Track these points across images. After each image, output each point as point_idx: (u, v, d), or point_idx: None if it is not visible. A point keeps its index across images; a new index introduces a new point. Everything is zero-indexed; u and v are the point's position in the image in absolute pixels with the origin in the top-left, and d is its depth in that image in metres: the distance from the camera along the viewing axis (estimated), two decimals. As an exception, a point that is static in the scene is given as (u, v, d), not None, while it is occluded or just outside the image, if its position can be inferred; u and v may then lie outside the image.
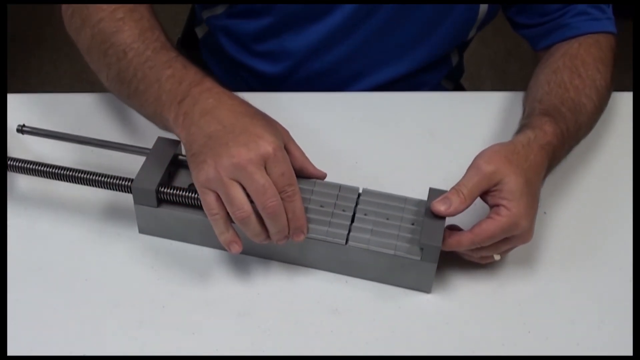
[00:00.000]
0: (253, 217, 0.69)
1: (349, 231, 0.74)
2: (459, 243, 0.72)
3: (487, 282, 0.77)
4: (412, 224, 0.74)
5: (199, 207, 0.75)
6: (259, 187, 0.67)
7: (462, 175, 0.73)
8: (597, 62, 0.89)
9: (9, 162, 0.77)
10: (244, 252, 0.77)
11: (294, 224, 0.70)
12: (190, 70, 0.75)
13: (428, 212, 0.73)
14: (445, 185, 0.73)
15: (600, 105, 0.89)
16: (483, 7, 0.94)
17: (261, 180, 0.67)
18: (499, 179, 0.72)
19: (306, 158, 0.76)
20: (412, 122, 0.94)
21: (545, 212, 0.83)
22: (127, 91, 0.78)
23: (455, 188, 0.72)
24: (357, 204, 0.76)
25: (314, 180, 0.77)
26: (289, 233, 0.71)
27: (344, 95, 0.99)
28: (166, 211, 0.76)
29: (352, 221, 0.74)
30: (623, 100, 0.97)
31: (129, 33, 0.78)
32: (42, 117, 0.90)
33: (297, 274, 0.76)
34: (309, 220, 0.73)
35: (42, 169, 0.76)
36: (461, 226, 0.76)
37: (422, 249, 0.72)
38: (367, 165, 0.88)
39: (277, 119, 0.90)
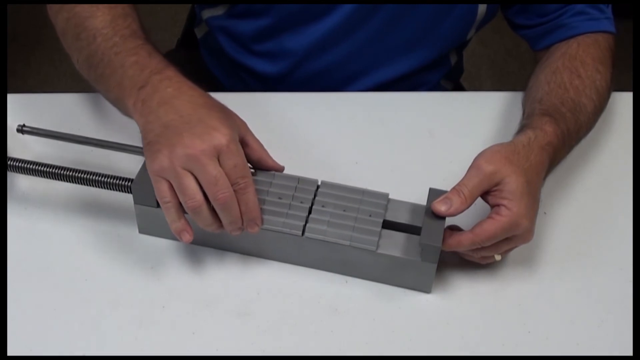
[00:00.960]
0: (205, 207, 0.69)
1: (306, 222, 0.74)
2: (459, 243, 0.72)
3: (487, 282, 0.77)
4: (370, 216, 0.74)
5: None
6: (210, 178, 0.68)
7: (462, 175, 0.73)
8: (596, 62, 0.89)
9: (9, 162, 0.77)
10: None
11: (247, 216, 0.71)
12: (155, 59, 0.76)
13: (428, 212, 0.73)
14: (445, 185, 0.73)
15: (600, 106, 0.89)
16: (482, 8, 0.94)
17: (213, 171, 0.68)
18: (499, 179, 0.72)
19: (264, 150, 0.77)
20: (411, 122, 0.94)
21: (545, 212, 0.83)
22: (94, 75, 0.80)
23: (456, 188, 0.72)
24: (315, 196, 0.76)
25: (273, 172, 0.77)
26: (242, 224, 0.71)
27: (344, 95, 0.99)
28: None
29: (310, 213, 0.75)
30: (623, 100, 0.97)
31: (102, 19, 0.79)
32: (42, 117, 0.90)
33: (297, 274, 0.76)
34: (266, 212, 0.74)
35: (42, 169, 0.76)
36: (461, 226, 0.76)
37: (380, 239, 0.73)
38: (367, 165, 0.88)
39: (277, 119, 0.90)
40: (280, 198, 0.75)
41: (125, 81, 0.75)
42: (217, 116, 0.71)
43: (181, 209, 0.71)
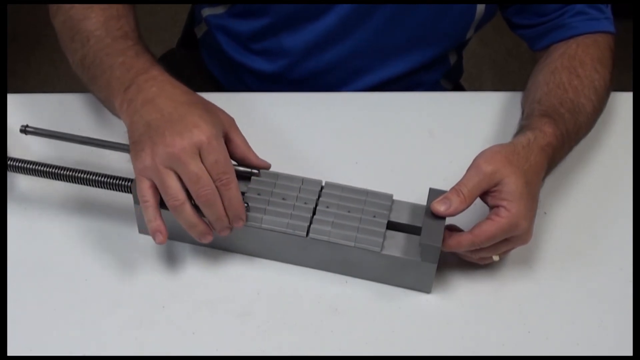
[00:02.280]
0: (187, 206, 0.70)
1: (310, 223, 0.74)
2: (458, 244, 0.72)
3: (487, 282, 0.77)
4: (374, 217, 0.74)
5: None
6: (192, 176, 0.69)
7: (462, 175, 0.73)
8: (595, 62, 0.89)
9: (9, 162, 0.77)
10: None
11: (231, 212, 0.71)
12: (141, 59, 0.77)
13: (428, 212, 0.73)
14: (445, 185, 0.73)
15: (599, 106, 0.89)
16: (480, 8, 0.94)
17: (194, 169, 0.68)
18: (499, 180, 0.72)
19: (249, 147, 0.77)
20: (411, 122, 0.94)
21: (545, 212, 0.83)
22: (87, 76, 0.81)
23: (455, 188, 0.72)
24: (319, 196, 0.76)
25: (277, 173, 0.77)
26: (229, 222, 0.71)
27: (344, 95, 0.99)
28: (166, 211, 0.75)
29: (314, 214, 0.75)
30: (623, 100, 0.97)
31: (95, 20, 0.81)
32: (42, 117, 0.90)
33: (297, 274, 0.76)
34: (270, 213, 0.74)
35: (42, 169, 0.76)
36: (461, 227, 0.76)
37: (384, 240, 0.73)
38: (367, 166, 0.88)
39: (277, 119, 0.90)
40: (284, 199, 0.75)
41: (113, 82, 0.76)
42: (199, 113, 0.72)
43: (158, 209, 0.71)
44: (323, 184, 0.77)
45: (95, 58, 0.79)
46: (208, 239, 0.72)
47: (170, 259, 0.77)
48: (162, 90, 0.74)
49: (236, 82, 1.07)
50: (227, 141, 0.74)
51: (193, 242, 0.78)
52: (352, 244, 0.72)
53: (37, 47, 2.16)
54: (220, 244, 0.77)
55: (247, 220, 0.73)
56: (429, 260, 0.72)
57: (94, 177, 0.76)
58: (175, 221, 0.76)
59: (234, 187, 0.71)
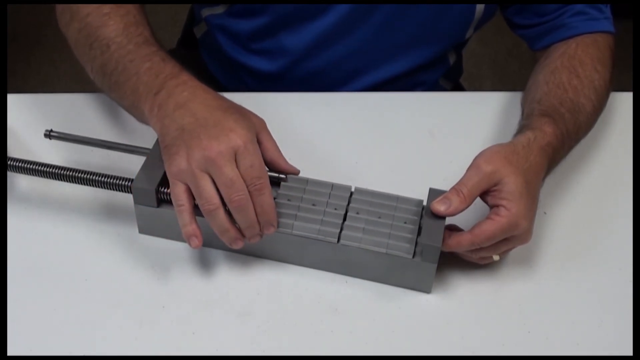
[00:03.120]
0: (221, 211, 0.69)
1: (341, 230, 0.74)
2: (458, 244, 0.72)
3: (487, 282, 0.77)
4: (405, 223, 0.74)
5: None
6: (226, 181, 0.68)
7: (462, 175, 0.73)
8: (595, 62, 0.89)
9: (9, 162, 0.77)
10: (243, 252, 0.77)
11: (263, 218, 0.71)
12: (168, 64, 0.77)
13: (428, 212, 0.73)
14: (445, 185, 0.73)
15: (599, 106, 0.89)
16: (479, 7, 0.94)
17: (230, 173, 0.68)
18: (498, 179, 0.72)
19: (279, 151, 0.76)
20: (411, 122, 0.94)
21: (545, 212, 0.83)
22: (108, 83, 0.79)
23: (455, 188, 0.72)
24: (349, 202, 0.76)
25: (307, 178, 0.77)
26: (260, 229, 0.71)
27: (344, 95, 0.99)
28: (166, 211, 0.76)
29: (344, 220, 0.75)
30: (623, 100, 0.97)
31: (114, 27, 0.79)
32: (42, 117, 0.90)
33: (297, 274, 0.76)
34: (300, 219, 0.74)
35: (42, 169, 0.76)
36: (461, 226, 0.76)
37: (416, 246, 0.72)
38: (367, 165, 0.88)
39: (277, 119, 0.90)
40: (314, 205, 0.75)
41: (140, 87, 0.75)
42: (234, 117, 0.71)
43: (194, 213, 0.71)
44: (352, 189, 0.77)
45: (117, 64, 0.78)
46: (239, 245, 0.72)
47: (171, 259, 0.77)
48: (194, 95, 0.73)
49: (236, 81, 1.07)
50: (258, 143, 0.73)
51: (217, 246, 0.78)
52: (384, 250, 0.72)
53: (37, 47, 2.16)
54: (218, 244, 0.77)
55: (278, 226, 0.73)
56: (429, 260, 0.72)
57: (94, 177, 0.76)
58: (174, 220, 0.76)
59: (268, 193, 0.70)
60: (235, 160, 0.69)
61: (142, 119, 0.77)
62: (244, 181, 0.69)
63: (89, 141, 0.81)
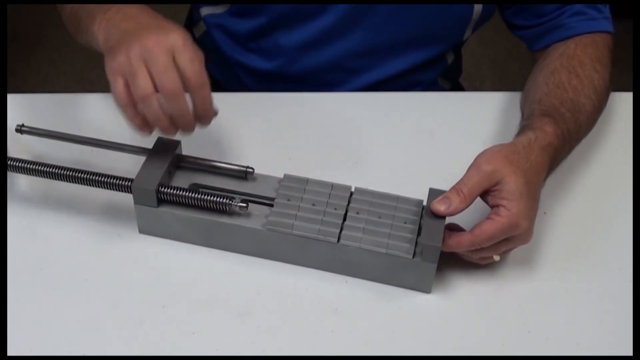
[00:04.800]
0: (154, 98, 0.69)
1: (341, 230, 0.74)
2: (458, 244, 0.72)
3: (487, 282, 0.77)
4: (405, 223, 0.74)
5: (199, 207, 0.75)
6: (160, 68, 0.68)
7: (462, 175, 0.73)
8: (594, 62, 0.89)
9: (9, 162, 0.77)
10: (244, 252, 0.77)
11: (200, 112, 0.71)
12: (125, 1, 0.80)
13: (428, 212, 0.73)
14: (445, 185, 0.73)
15: (599, 105, 0.89)
16: (477, 8, 0.94)
17: (164, 62, 0.68)
18: (499, 179, 0.72)
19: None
20: (412, 122, 0.94)
21: (545, 212, 0.83)
22: (74, 24, 0.84)
23: (455, 187, 0.72)
24: (349, 202, 0.76)
25: (307, 178, 0.77)
26: (195, 120, 0.72)
27: (344, 95, 0.99)
28: (166, 211, 0.76)
29: (344, 220, 0.75)
30: (623, 100, 0.97)
31: None
32: (42, 117, 0.90)
33: (297, 274, 0.76)
34: (300, 219, 0.74)
35: (42, 169, 0.76)
36: (461, 227, 0.76)
37: (416, 246, 0.72)
38: (367, 165, 0.88)
39: (277, 118, 0.90)
40: (314, 205, 0.75)
41: (94, 10, 0.78)
42: (175, 24, 0.73)
43: (135, 107, 0.71)
44: (352, 189, 0.77)
45: (82, 7, 0.82)
46: (172, 133, 0.72)
47: (170, 259, 0.77)
48: (140, 10, 0.76)
49: (234, 81, 1.07)
50: None
51: (195, 241, 0.78)
52: (384, 250, 0.72)
53: (37, 47, 2.16)
54: (219, 244, 0.77)
55: (274, 225, 0.73)
56: (429, 260, 0.72)
57: (94, 177, 0.76)
58: (174, 220, 0.76)
59: (207, 87, 0.71)
60: (175, 59, 0.69)
61: (95, 42, 0.78)
62: (185, 76, 0.69)
63: (63, 136, 0.80)
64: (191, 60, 0.70)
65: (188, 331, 0.71)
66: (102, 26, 0.76)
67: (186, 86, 0.70)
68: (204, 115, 0.72)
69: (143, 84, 0.69)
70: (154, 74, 0.69)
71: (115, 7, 0.76)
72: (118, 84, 0.70)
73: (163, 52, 0.69)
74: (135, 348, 0.70)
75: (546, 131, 0.79)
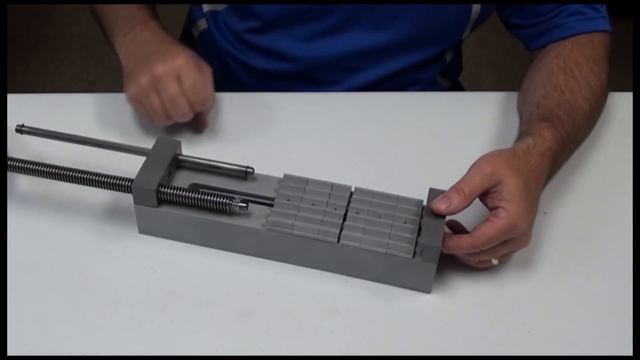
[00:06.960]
0: (168, 118, 0.84)
1: (341, 230, 0.74)
2: (458, 246, 0.72)
3: (487, 282, 0.77)
4: (405, 223, 0.74)
5: (199, 207, 0.75)
6: (169, 97, 0.82)
7: (462, 175, 0.73)
8: (590, 62, 0.89)
9: (9, 162, 0.77)
10: (244, 252, 0.77)
11: (199, 120, 0.87)
12: (142, 11, 0.93)
13: (428, 212, 0.73)
14: (445, 185, 0.73)
15: (597, 106, 0.89)
16: (476, 7, 0.94)
17: (173, 91, 0.81)
18: (498, 180, 0.72)
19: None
20: (412, 122, 0.94)
21: (545, 212, 0.83)
22: (103, 32, 0.97)
23: (456, 187, 0.72)
24: (349, 202, 0.76)
25: (306, 179, 0.77)
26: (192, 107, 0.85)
27: (344, 95, 0.99)
28: (166, 211, 0.76)
29: (344, 220, 0.75)
30: (623, 100, 0.97)
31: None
32: (42, 117, 0.90)
33: (297, 274, 0.76)
34: (300, 219, 0.74)
35: (42, 169, 0.76)
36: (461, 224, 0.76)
37: (416, 246, 0.72)
38: (367, 165, 0.88)
39: (278, 118, 0.90)
40: (314, 205, 0.75)
41: (116, 30, 0.92)
42: (182, 48, 0.86)
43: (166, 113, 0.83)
44: (352, 189, 0.77)
45: (107, 20, 0.94)
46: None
47: (170, 259, 0.77)
48: (154, 35, 0.89)
49: (233, 80, 1.07)
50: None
51: (195, 241, 0.78)
52: (384, 250, 0.72)
53: (37, 47, 2.16)
54: (219, 244, 0.78)
55: (273, 225, 0.74)
56: (429, 260, 0.72)
57: (94, 177, 0.76)
58: (174, 220, 0.76)
59: (207, 104, 0.85)
60: (181, 80, 0.81)
61: (115, 50, 0.92)
62: (188, 96, 0.82)
63: (62, 137, 0.80)
64: (194, 84, 0.82)
65: (188, 331, 0.71)
66: (122, 51, 0.89)
67: (189, 104, 0.83)
68: (201, 124, 0.88)
69: (157, 109, 0.83)
70: (164, 102, 0.82)
71: (132, 33, 0.89)
72: (140, 111, 0.85)
73: (170, 80, 0.81)
74: (135, 348, 0.70)
75: (545, 136, 0.79)
